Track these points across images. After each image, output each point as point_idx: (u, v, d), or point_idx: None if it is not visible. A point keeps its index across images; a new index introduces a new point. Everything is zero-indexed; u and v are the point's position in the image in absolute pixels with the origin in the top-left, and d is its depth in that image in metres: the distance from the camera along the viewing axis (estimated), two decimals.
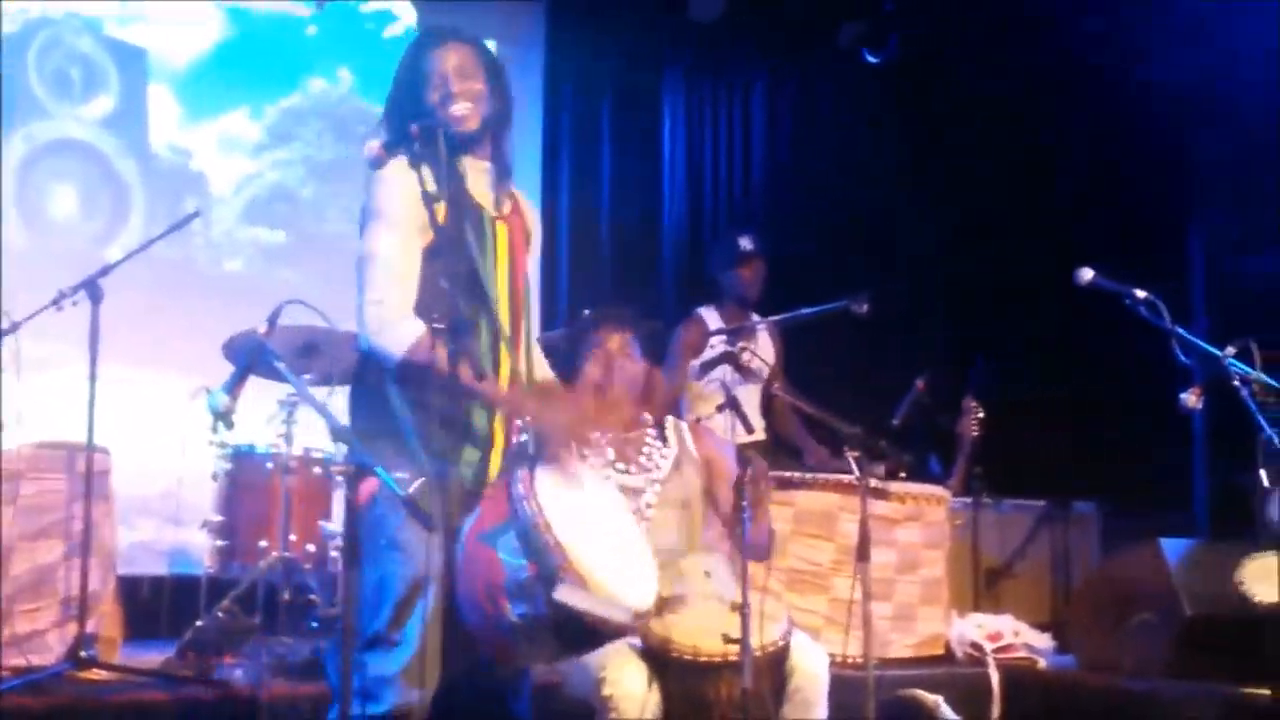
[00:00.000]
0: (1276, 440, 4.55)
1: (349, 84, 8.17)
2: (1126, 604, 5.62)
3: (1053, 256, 5.63)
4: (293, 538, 5.64)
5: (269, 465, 5.78)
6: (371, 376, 3.52)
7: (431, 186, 3.46)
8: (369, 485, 3.31)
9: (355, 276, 3.51)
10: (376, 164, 3.50)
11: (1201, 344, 4.82)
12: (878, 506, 5.92)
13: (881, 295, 6.32)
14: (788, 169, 8.88)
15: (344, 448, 3.65)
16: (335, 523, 5.71)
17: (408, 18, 8.30)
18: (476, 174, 3.68)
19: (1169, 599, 5.39)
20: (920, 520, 6.14)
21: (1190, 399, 4.95)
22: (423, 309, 3.46)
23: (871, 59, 8.44)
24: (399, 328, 3.43)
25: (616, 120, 8.63)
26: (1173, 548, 5.46)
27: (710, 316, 6.41)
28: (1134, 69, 7.83)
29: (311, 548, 5.72)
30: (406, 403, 3.41)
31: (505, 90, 3.73)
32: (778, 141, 8.94)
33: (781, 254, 6.70)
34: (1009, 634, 6.09)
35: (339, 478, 4.36)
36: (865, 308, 6.27)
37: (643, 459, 4.37)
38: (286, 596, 5.44)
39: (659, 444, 4.42)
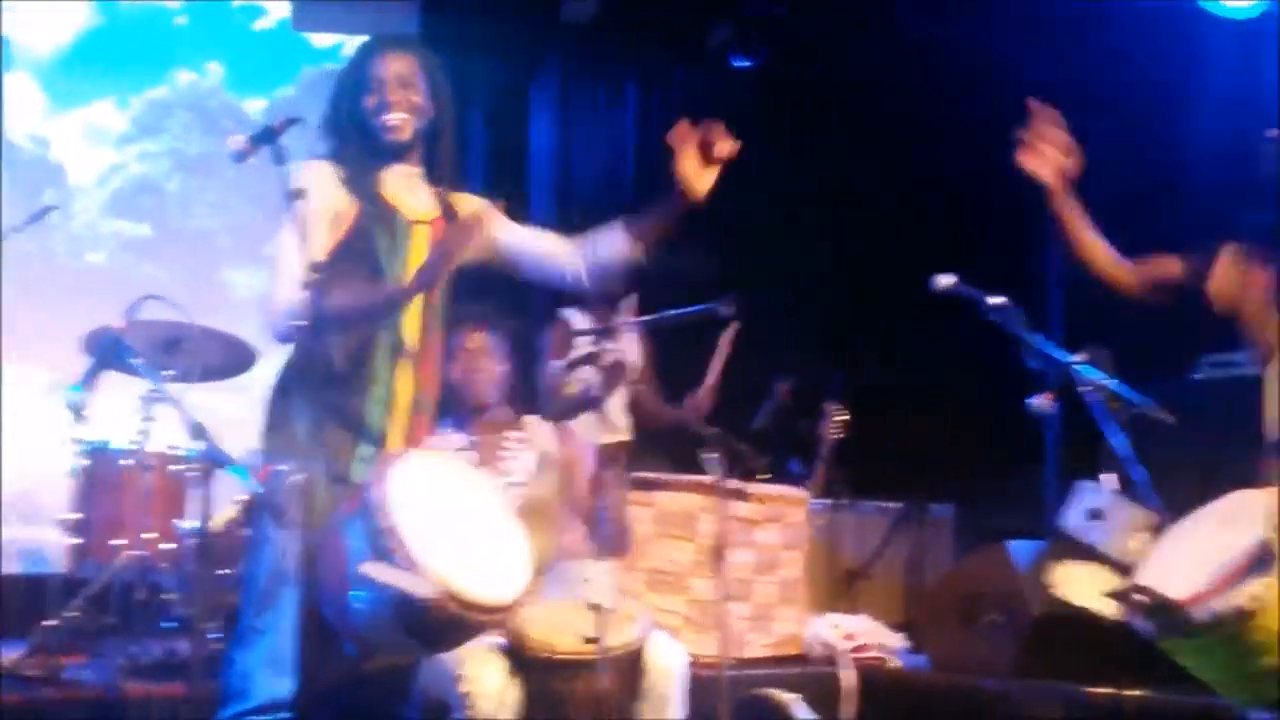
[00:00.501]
0: (1123, 446, 4.66)
1: (218, 77, 8.09)
2: (976, 605, 5.74)
3: (914, 262, 5.71)
4: (149, 536, 5.57)
5: (126, 462, 5.70)
6: (280, 376, 3.58)
7: (343, 189, 3.54)
8: (260, 477, 3.43)
9: None
10: (239, 158, 3.44)
11: (1053, 350, 4.93)
12: (738, 508, 5.99)
13: (747, 299, 6.39)
14: (657, 171, 8.90)
15: (201, 444, 3.65)
16: (193, 520, 5.65)
17: (278, 11, 8.23)
18: (401, 179, 3.71)
19: (1017, 600, 5.52)
20: (780, 521, 6.22)
21: (1041, 404, 5.06)
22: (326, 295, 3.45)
23: (742, 61, 8.51)
24: (280, 307, 3.43)
25: (487, 119, 8.62)
26: (1021, 550, 5.59)
27: (576, 317, 6.44)
28: (997, 78, 7.97)
29: (168, 546, 5.65)
30: (305, 400, 3.42)
31: (446, 101, 3.77)
32: (648, 143, 8.98)
33: (652, 256, 6.72)
34: (864, 634, 6.18)
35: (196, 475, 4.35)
36: (731, 311, 6.34)
37: (502, 461, 4.39)
38: (141, 596, 5.38)
39: (520, 445, 4.44)
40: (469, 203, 3.82)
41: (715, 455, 4.69)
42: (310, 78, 8.49)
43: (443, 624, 3.23)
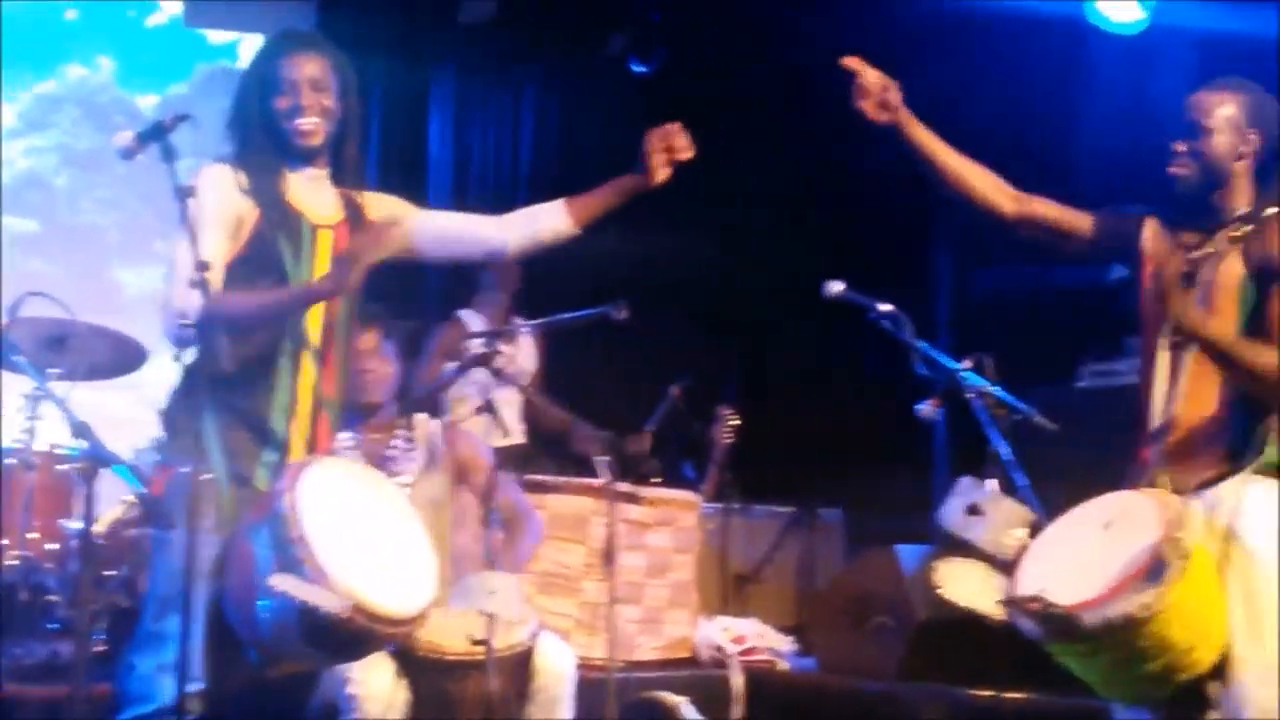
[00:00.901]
0: (1006, 452, 4.75)
1: (109, 72, 8.00)
2: (864, 608, 5.81)
3: (806, 268, 5.77)
4: (33, 536, 5.49)
5: (10, 461, 5.61)
6: (182, 378, 3.47)
7: (244, 193, 3.47)
8: (161, 480, 3.39)
9: None
10: (127, 155, 3.34)
11: (939, 357, 5.01)
12: (630, 511, 6.02)
13: (640, 302, 6.42)
14: (554, 173, 8.93)
15: (84, 443, 3.59)
16: (78, 520, 5.58)
17: (171, 8, 8.15)
18: (306, 181, 3.60)
19: (904, 603, 5.60)
20: (671, 525, 6.26)
21: (927, 410, 5.14)
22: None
23: (639, 68, 8.55)
24: (180, 308, 3.31)
25: (384, 119, 8.58)
26: (908, 554, 5.67)
27: (472, 319, 6.44)
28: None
29: (52, 546, 5.57)
30: (208, 403, 3.33)
31: (354, 102, 3.68)
32: (545, 145, 8.99)
33: (545, 258, 6.73)
34: (753, 637, 6.24)
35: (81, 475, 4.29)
36: (624, 314, 6.37)
37: (390, 462, 4.38)
38: (25, 597, 5.30)
39: (407, 446, 4.43)
40: (379, 203, 3.77)
41: (606, 458, 4.71)
42: (204, 74, 8.42)
43: (350, 636, 3.17)
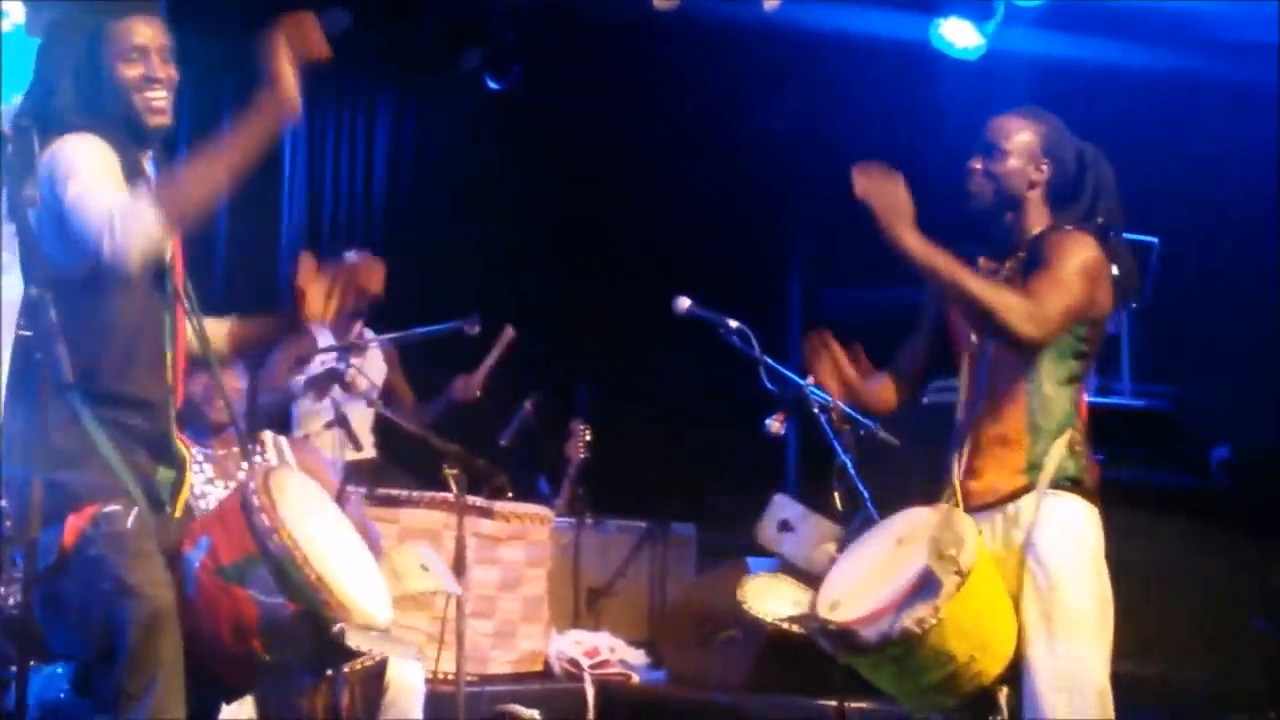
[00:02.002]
0: (849, 466, 4.85)
1: None
2: (715, 621, 5.88)
3: (660, 286, 5.84)
4: None
5: None
6: (59, 401, 3.03)
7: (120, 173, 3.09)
8: (77, 523, 2.98)
9: (72, 234, 3.02)
10: None
11: (785, 372, 5.09)
12: (482, 525, 6.02)
13: (493, 317, 6.46)
14: (409, 188, 8.92)
15: None
16: None
17: (15, 14, 7.98)
18: (147, 166, 3.25)
19: (753, 616, 5.66)
20: (524, 539, 6.27)
21: (774, 425, 5.22)
22: (107, 306, 3.08)
23: (493, 85, 8.56)
24: (142, 209, 2.98)
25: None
26: (758, 566, 5.74)
27: (321, 332, 6.40)
28: (742, 109, 8.21)
29: None
30: (100, 422, 3.03)
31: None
32: (400, 160, 8.96)
33: (400, 273, 6.74)
34: (605, 650, 6.27)
35: None
36: (477, 329, 6.40)
37: (241, 475, 4.35)
38: None
39: (255, 460, 4.41)
40: None
41: (457, 471, 4.72)
42: None
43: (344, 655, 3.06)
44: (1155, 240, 6.81)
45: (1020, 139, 3.65)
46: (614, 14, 8.06)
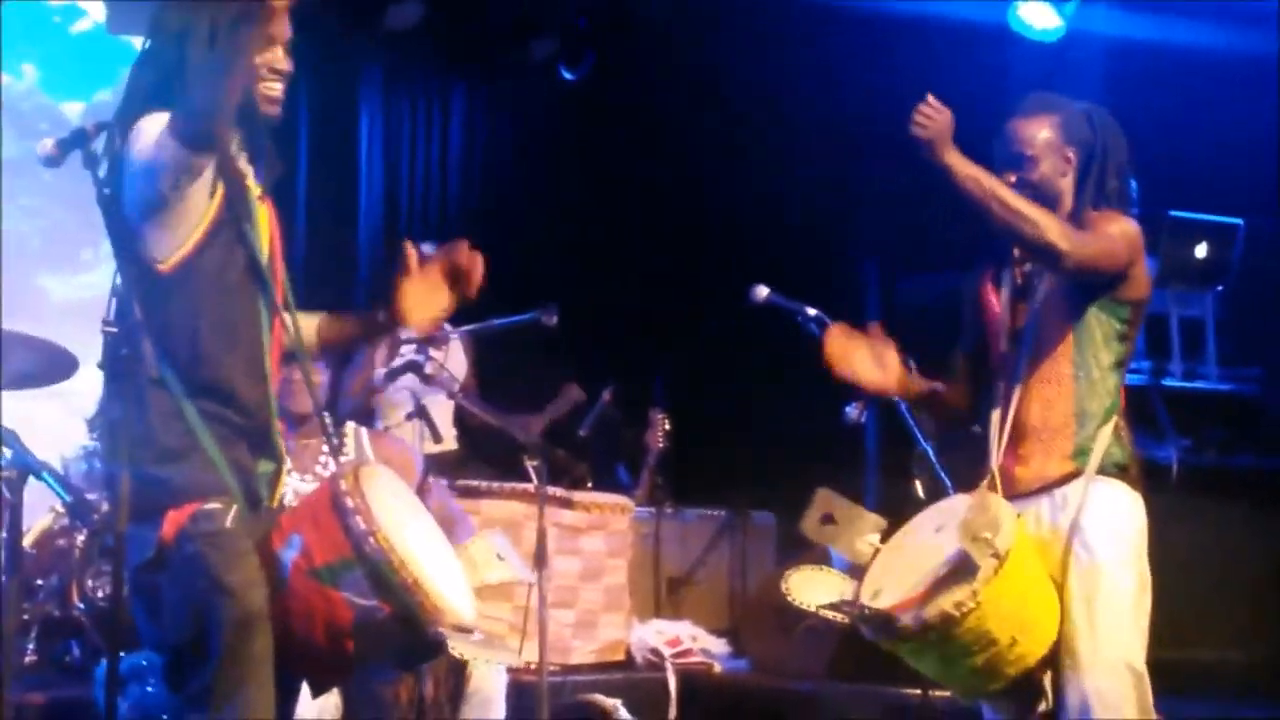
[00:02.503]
0: (931, 453, 4.82)
1: (33, 79, 7.93)
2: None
3: (737, 274, 5.83)
4: None
5: None
6: (160, 395, 2.99)
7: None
8: (177, 519, 2.93)
9: (141, 168, 2.97)
10: (50, 163, 3.02)
11: None
12: (563, 515, 6.04)
13: (570, 307, 6.46)
14: (484, 177, 8.95)
15: (11, 452, 3.55)
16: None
17: (96, 14, 8.09)
18: (236, 147, 3.18)
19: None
20: (604, 529, 6.29)
21: (854, 413, 5.21)
22: (204, 299, 3.02)
23: (567, 75, 8.58)
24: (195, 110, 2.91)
25: (313, 124, 8.56)
26: (839, 557, 5.71)
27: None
28: (815, 95, 8.16)
29: None
30: (203, 416, 2.98)
31: None
32: (474, 150, 9.00)
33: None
34: (687, 639, 6.28)
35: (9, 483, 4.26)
36: (555, 319, 6.40)
37: (319, 467, 4.38)
38: None
39: (335, 451, 4.43)
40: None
41: (537, 463, 4.74)
42: None
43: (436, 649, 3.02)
44: (1240, 222, 6.73)
45: (1043, 139, 3.65)
46: (687, 0, 8.06)
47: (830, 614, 3.56)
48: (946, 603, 3.26)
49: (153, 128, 2.97)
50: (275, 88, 3.15)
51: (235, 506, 2.95)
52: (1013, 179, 3.63)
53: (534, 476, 4.74)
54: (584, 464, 5.34)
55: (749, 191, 8.40)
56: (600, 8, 8.43)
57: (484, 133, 9.06)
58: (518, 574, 3.62)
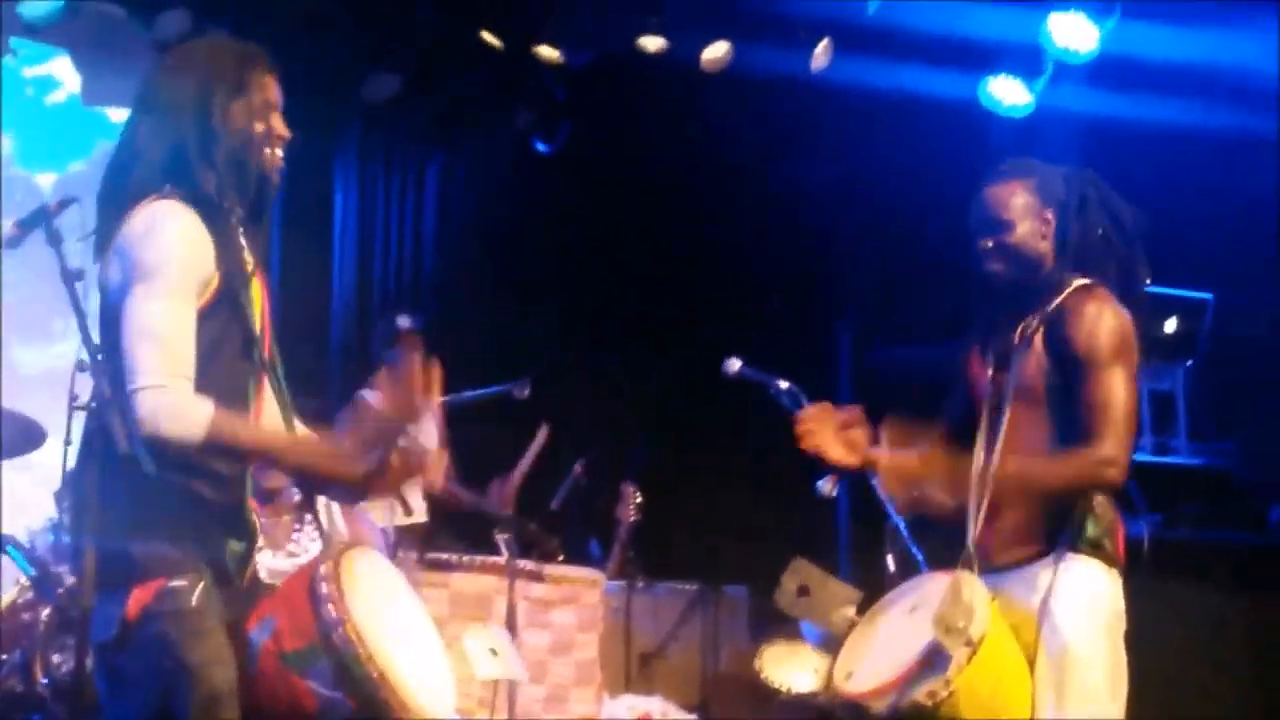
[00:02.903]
0: (902, 528, 4.79)
1: (8, 150, 7.92)
2: (768, 686, 5.82)
3: (710, 346, 5.83)
4: None
5: None
6: (129, 470, 2.87)
7: (209, 237, 2.97)
8: (141, 596, 2.88)
9: (122, 354, 2.92)
10: (11, 244, 3.02)
11: None
12: (533, 589, 5.99)
13: (543, 380, 6.46)
14: (458, 248, 8.96)
15: None
16: None
17: (71, 85, 8.10)
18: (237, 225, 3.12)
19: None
20: (575, 603, 6.24)
21: (826, 486, 5.17)
22: (202, 379, 2.94)
23: (542, 146, 8.61)
24: (191, 413, 2.86)
25: (288, 192, 8.53)
26: (811, 631, 5.69)
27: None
28: (790, 168, 8.22)
29: None
30: (170, 492, 2.91)
31: None
32: (449, 220, 9.01)
33: (449, 335, 6.76)
34: (658, 715, 6.22)
35: None
36: (527, 392, 6.40)
37: (291, 544, 4.35)
38: None
39: (309, 527, 4.41)
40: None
41: (508, 536, 4.72)
42: (104, 152, 8.35)
43: None
44: (1210, 296, 6.76)
45: (1019, 202, 3.63)
46: (661, 74, 8.11)
47: (801, 697, 3.53)
48: (919, 693, 3.21)
49: (148, 234, 2.93)
50: (279, 155, 3.12)
51: (202, 584, 2.90)
52: (989, 244, 3.63)
53: (504, 550, 4.71)
54: (555, 537, 5.31)
55: (723, 264, 8.44)
56: (576, 80, 8.47)
57: (459, 203, 9.08)
58: (511, 672, 3.55)
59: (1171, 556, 6.04)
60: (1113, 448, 3.43)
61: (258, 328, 3.07)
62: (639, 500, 7.10)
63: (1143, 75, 7.30)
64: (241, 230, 3.09)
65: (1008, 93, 7.65)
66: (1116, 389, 3.47)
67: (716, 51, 7.88)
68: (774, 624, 6.48)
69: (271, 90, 3.11)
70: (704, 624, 7.12)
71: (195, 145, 3.01)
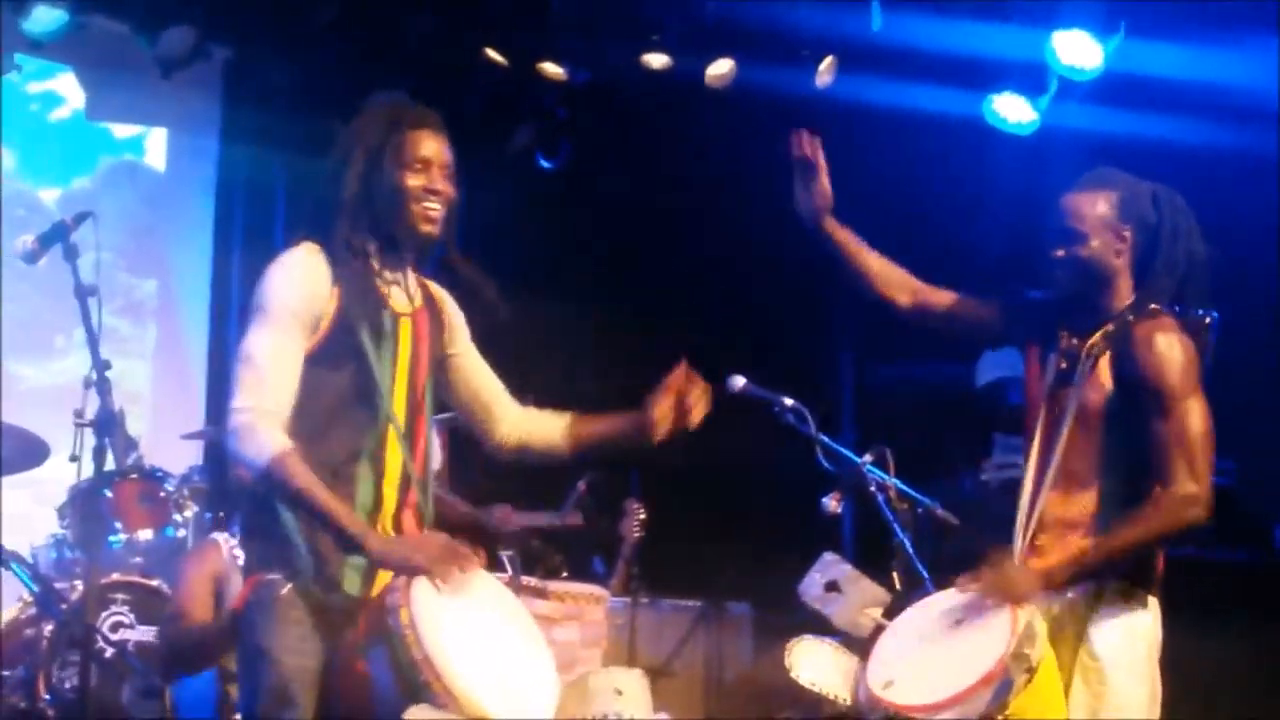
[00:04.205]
0: (908, 545, 4.80)
1: (11, 165, 7.92)
2: (772, 702, 5.82)
3: (712, 364, 5.82)
4: None
5: None
6: (259, 484, 3.23)
7: (333, 282, 3.24)
8: (245, 588, 3.23)
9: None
10: (29, 259, 3.25)
11: (842, 450, 5.06)
12: (537, 606, 5.98)
13: (545, 395, 6.43)
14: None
15: None
16: None
17: (75, 100, 8.11)
18: (390, 265, 3.42)
19: (812, 695, 5.60)
20: (579, 619, 6.23)
21: (831, 504, 5.19)
22: (304, 414, 3.21)
23: (545, 164, 8.61)
24: (260, 438, 3.11)
25: (290, 210, 8.56)
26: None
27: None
28: (792, 186, 8.21)
29: None
30: (288, 503, 3.18)
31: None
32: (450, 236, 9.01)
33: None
34: None
35: None
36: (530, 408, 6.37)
37: None
38: None
39: None
40: (449, 303, 3.66)
41: (511, 553, 4.71)
42: (108, 168, 8.37)
43: None
44: (1215, 314, 6.76)
45: (1097, 213, 3.57)
46: (665, 91, 8.11)
47: (839, 702, 3.46)
48: (974, 715, 3.18)
49: (267, 275, 3.26)
50: (433, 209, 3.38)
51: (293, 582, 3.14)
52: (1061, 254, 3.58)
53: (508, 566, 4.70)
54: (559, 554, 5.30)
55: (726, 281, 8.43)
56: (579, 98, 8.48)
57: (460, 220, 9.06)
58: (638, 712, 3.54)
59: (1174, 575, 6.04)
60: (1195, 485, 3.41)
61: (401, 367, 3.34)
62: (643, 517, 7.08)
63: (1147, 93, 7.31)
64: (390, 278, 3.38)
65: (1012, 110, 7.66)
66: (1194, 424, 3.44)
67: (721, 69, 7.89)
68: (778, 640, 6.47)
69: (427, 146, 3.38)
70: (708, 640, 7.12)
71: (343, 198, 3.32)
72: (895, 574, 4.83)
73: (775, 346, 7.73)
